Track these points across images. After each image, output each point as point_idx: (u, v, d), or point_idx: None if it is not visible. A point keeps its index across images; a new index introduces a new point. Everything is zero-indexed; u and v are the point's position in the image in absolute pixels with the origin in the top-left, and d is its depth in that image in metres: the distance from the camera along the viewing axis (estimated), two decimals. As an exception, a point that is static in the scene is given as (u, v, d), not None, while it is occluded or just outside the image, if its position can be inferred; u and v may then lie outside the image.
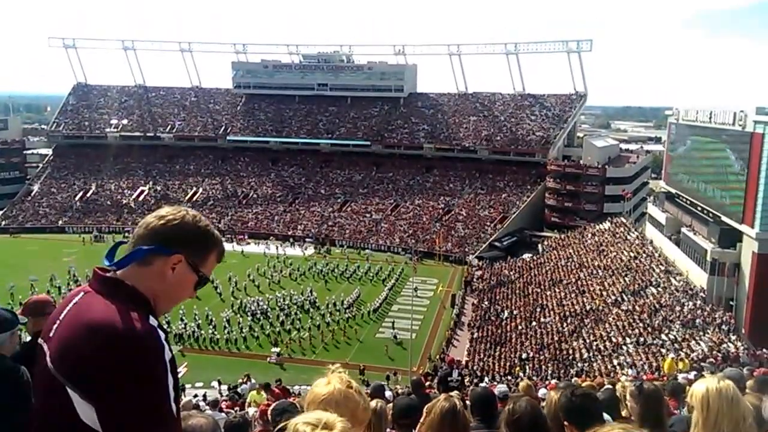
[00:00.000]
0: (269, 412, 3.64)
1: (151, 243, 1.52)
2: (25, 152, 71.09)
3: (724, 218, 29.05)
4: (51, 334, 1.48)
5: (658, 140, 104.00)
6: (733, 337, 23.45)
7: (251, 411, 8.72)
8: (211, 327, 32.16)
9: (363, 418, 1.66)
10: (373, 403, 3.92)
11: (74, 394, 1.36)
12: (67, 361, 1.40)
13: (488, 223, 52.14)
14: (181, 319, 32.70)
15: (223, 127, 68.76)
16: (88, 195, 62.50)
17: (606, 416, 3.02)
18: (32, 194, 62.94)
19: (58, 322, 1.48)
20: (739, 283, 27.44)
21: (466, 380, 19.88)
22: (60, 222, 58.15)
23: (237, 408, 11.47)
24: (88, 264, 42.55)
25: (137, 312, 1.45)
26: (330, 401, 1.66)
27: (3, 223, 58.36)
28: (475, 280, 41.33)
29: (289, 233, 54.51)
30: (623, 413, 3.75)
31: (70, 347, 1.40)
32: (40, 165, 68.15)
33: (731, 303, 27.32)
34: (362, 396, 1.71)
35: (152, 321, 1.47)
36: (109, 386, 1.34)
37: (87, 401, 1.35)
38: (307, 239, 52.78)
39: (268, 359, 28.61)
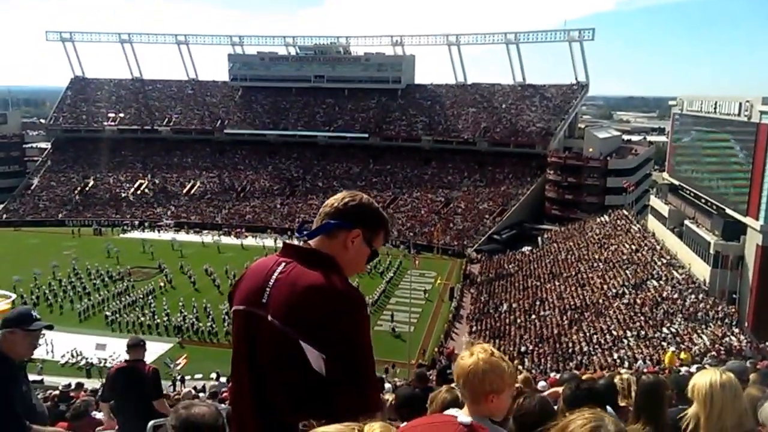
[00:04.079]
0: None
1: (336, 219, 1.78)
2: (24, 146, 71.31)
3: (728, 210, 28.51)
4: (264, 300, 1.68)
5: (661, 131, 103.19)
6: (736, 331, 23.00)
7: None
8: (209, 320, 32.03)
9: (511, 381, 1.81)
10: None
11: (307, 345, 1.58)
12: (298, 319, 1.61)
13: (487, 216, 51.61)
14: (180, 312, 32.54)
15: (220, 120, 68.19)
16: (87, 188, 62.21)
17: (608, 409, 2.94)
18: (32, 188, 62.76)
19: (267, 289, 1.69)
20: (742, 276, 26.94)
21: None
22: (60, 215, 57.92)
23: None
24: (87, 256, 42.97)
25: (339, 275, 1.69)
26: (477, 371, 1.76)
27: (4, 216, 58.32)
28: (474, 273, 40.91)
29: (287, 226, 54.06)
30: (621, 404, 3.75)
31: (300, 307, 1.62)
32: (40, 159, 67.88)
33: (734, 296, 26.84)
34: (506, 361, 1.83)
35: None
36: (337, 337, 1.59)
37: (318, 351, 1.58)
38: (304, 232, 52.33)
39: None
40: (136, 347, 5.20)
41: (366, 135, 63.16)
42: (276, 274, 1.70)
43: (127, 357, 5.23)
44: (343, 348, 1.60)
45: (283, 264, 1.72)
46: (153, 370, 5.11)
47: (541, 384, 8.41)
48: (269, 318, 1.64)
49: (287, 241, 1.84)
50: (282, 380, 1.64)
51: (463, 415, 1.13)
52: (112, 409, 5.08)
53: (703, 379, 2.15)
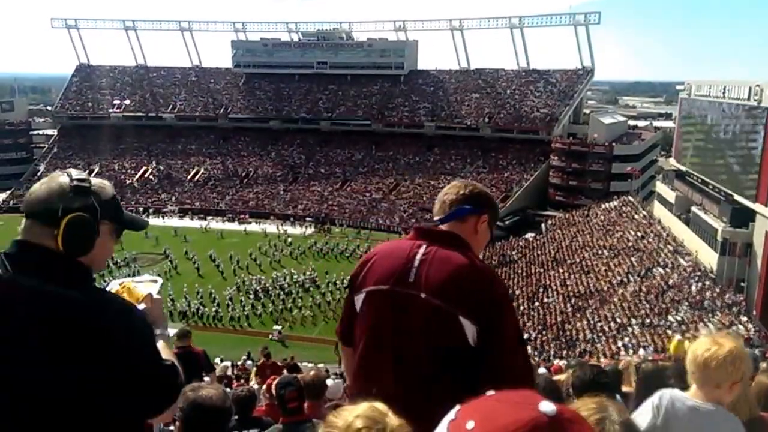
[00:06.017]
0: (274, 386, 3.88)
1: (466, 206, 1.88)
2: (31, 133, 71.36)
3: (736, 197, 28.16)
4: (411, 280, 1.75)
5: (668, 116, 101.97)
6: (744, 319, 22.81)
7: (255, 385, 8.54)
8: (214, 305, 32.27)
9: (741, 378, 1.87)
10: None
11: (465, 320, 1.67)
12: (455, 296, 1.69)
13: (492, 203, 51.34)
14: (185, 297, 32.69)
15: (223, 107, 67.94)
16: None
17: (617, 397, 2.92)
18: (39, 174, 62.63)
19: (413, 269, 1.76)
20: (750, 264, 26.69)
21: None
22: (66, 202, 58.26)
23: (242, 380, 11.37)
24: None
25: (477, 257, 1.83)
26: (734, 358, 1.83)
27: (12, 202, 58.58)
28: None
29: (290, 212, 54.06)
30: (625, 389, 3.81)
31: (456, 285, 1.70)
32: (46, 145, 68.02)
33: (742, 284, 26.61)
34: None
35: None
36: (493, 312, 1.69)
37: (475, 325, 1.67)
38: (307, 219, 52.34)
39: (270, 336, 28.58)
40: (185, 336, 6.28)
41: (368, 121, 62.76)
42: (419, 255, 1.78)
43: (177, 345, 6.13)
44: (499, 322, 1.70)
45: (424, 246, 1.80)
46: (203, 351, 6.27)
47: (541, 370, 8.34)
48: (422, 295, 1.72)
49: (419, 225, 1.94)
50: (436, 355, 1.71)
51: (547, 403, 0.80)
52: None
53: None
